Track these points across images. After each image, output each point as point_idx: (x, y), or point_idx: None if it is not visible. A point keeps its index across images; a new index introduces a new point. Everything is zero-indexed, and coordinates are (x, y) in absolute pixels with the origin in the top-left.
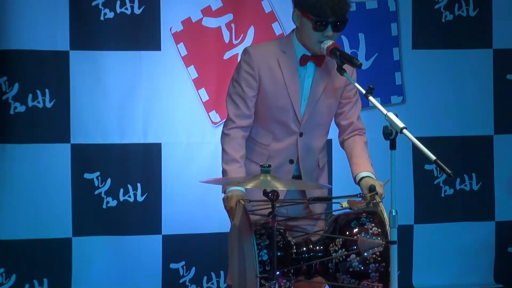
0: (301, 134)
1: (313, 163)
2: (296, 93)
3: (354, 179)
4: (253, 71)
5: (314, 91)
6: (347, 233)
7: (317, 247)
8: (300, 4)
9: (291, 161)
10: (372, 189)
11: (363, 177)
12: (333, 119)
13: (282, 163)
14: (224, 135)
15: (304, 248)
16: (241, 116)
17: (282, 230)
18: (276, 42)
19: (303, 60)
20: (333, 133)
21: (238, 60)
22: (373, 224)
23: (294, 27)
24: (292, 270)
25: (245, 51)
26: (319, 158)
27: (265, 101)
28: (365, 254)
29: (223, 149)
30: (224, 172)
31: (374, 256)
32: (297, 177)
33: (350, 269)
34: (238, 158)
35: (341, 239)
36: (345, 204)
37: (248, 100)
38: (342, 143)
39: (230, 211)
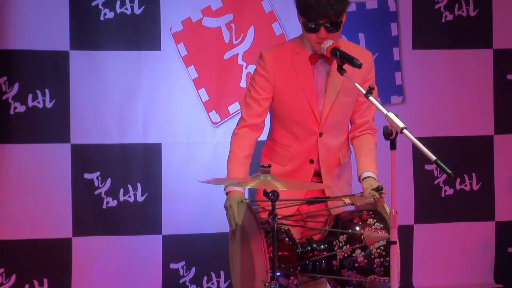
0: (320, 134)
1: (334, 162)
2: (312, 93)
3: (359, 176)
4: (268, 75)
5: (331, 90)
6: (350, 230)
7: (321, 246)
8: (296, 6)
9: (311, 161)
10: (379, 188)
11: (367, 177)
12: None
13: (303, 164)
14: (233, 134)
15: (309, 248)
16: (252, 115)
17: (287, 228)
18: (290, 44)
19: (312, 59)
20: None
21: (239, 61)
22: (375, 220)
23: (295, 26)
24: (298, 268)
25: (260, 55)
26: (339, 156)
27: (283, 103)
28: (372, 248)
29: (230, 148)
30: (226, 170)
31: (379, 251)
32: (317, 174)
33: (356, 265)
34: (242, 157)
35: (345, 235)
36: (347, 200)
37: (261, 100)
38: (352, 139)
39: (231, 219)
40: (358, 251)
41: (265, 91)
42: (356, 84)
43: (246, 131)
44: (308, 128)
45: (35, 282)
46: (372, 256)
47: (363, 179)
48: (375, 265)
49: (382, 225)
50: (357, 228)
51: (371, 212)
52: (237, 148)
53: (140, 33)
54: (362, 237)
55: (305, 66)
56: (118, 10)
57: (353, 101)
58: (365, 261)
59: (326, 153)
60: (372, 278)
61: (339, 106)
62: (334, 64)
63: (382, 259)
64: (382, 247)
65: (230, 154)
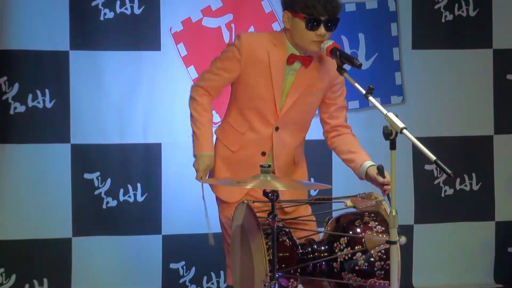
0: (277, 128)
1: (288, 159)
2: (279, 87)
3: (358, 168)
4: (240, 57)
5: (295, 87)
6: (351, 232)
7: (322, 247)
8: (291, 5)
9: (263, 153)
10: (380, 168)
11: (371, 165)
12: (319, 116)
13: (254, 154)
14: (191, 99)
15: (309, 249)
16: (211, 88)
17: (288, 230)
18: (269, 35)
19: (291, 59)
20: None
21: None
22: (376, 223)
23: None
24: (298, 270)
25: (238, 36)
26: (294, 154)
27: (248, 89)
28: (372, 251)
29: (190, 114)
30: (193, 133)
31: (380, 254)
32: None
33: (356, 268)
34: (205, 122)
35: (346, 238)
36: (349, 203)
37: (222, 80)
38: (331, 138)
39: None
40: (358, 254)
41: (230, 72)
42: (356, 84)
43: (204, 98)
44: (266, 119)
45: (35, 282)
46: (373, 259)
47: (368, 167)
48: (375, 268)
49: (383, 228)
50: (358, 231)
51: (372, 215)
52: (198, 115)
53: (140, 33)
54: (363, 240)
55: (280, 59)
56: (118, 10)
57: (317, 101)
58: (366, 264)
59: (281, 148)
60: (372, 281)
61: (301, 105)
62: (309, 67)
63: (382, 263)
64: (383, 251)
65: (192, 119)
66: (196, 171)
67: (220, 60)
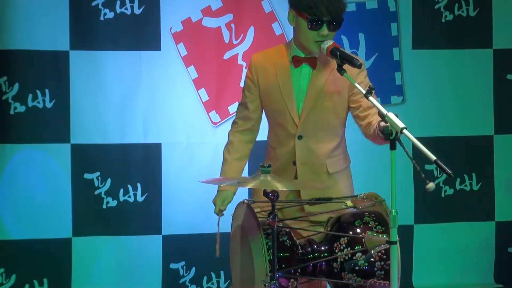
0: (300, 137)
1: (318, 168)
2: (290, 95)
3: (379, 125)
4: (252, 77)
5: (310, 93)
6: (351, 232)
7: (322, 247)
8: (296, 4)
9: (294, 163)
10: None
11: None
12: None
13: (286, 165)
14: (228, 138)
15: (309, 249)
16: (243, 118)
17: (288, 230)
18: (278, 47)
19: (296, 62)
20: None
21: (239, 61)
22: (376, 223)
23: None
24: (298, 270)
25: (250, 58)
26: (326, 163)
27: (266, 105)
28: (372, 251)
29: (223, 154)
30: (221, 169)
31: (380, 254)
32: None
33: (356, 268)
34: (231, 160)
35: (346, 238)
36: (349, 203)
37: (249, 104)
38: (363, 128)
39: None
40: (358, 254)
41: (251, 94)
42: (356, 84)
43: (236, 136)
44: (287, 130)
45: (35, 282)
46: (373, 259)
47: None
48: (375, 269)
49: (383, 228)
50: (358, 231)
51: (372, 215)
52: (228, 154)
53: (140, 33)
54: (363, 240)
55: (285, 67)
56: (118, 10)
57: (339, 105)
58: (366, 264)
59: (305, 157)
60: (372, 281)
61: (319, 110)
62: (318, 68)
63: (382, 263)
64: (383, 251)
65: (223, 160)
66: (214, 205)
67: (242, 90)
